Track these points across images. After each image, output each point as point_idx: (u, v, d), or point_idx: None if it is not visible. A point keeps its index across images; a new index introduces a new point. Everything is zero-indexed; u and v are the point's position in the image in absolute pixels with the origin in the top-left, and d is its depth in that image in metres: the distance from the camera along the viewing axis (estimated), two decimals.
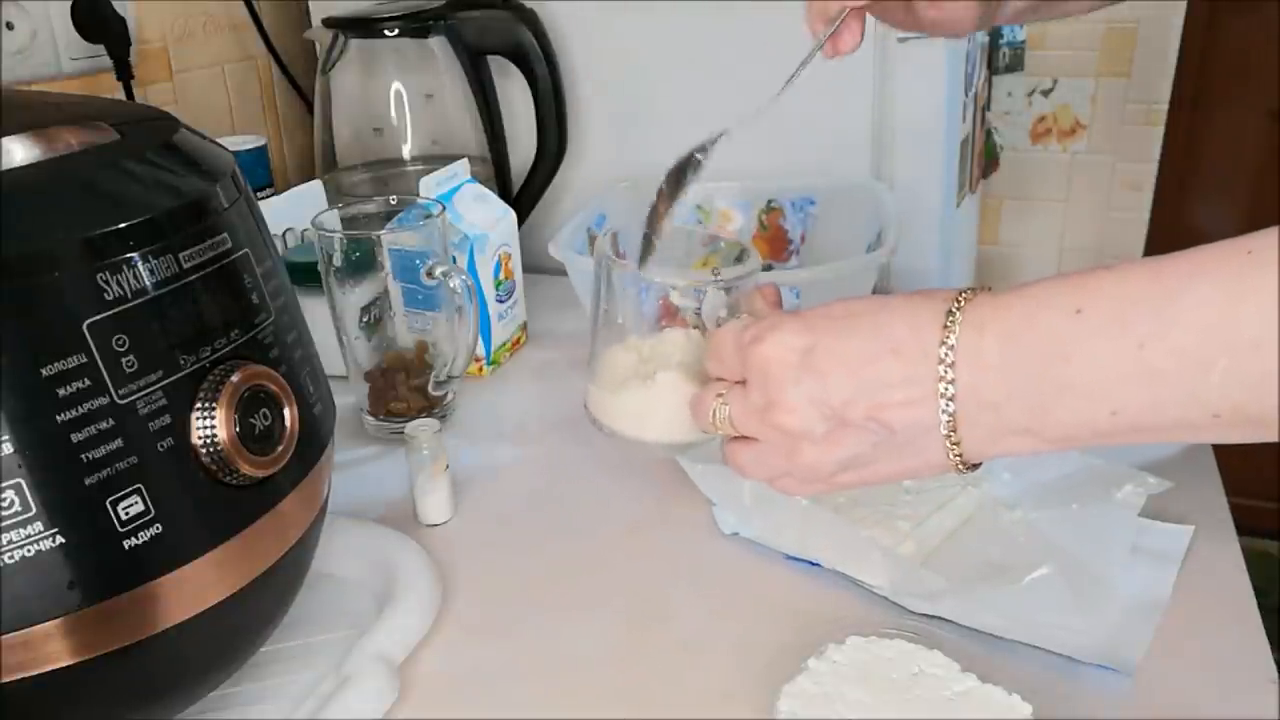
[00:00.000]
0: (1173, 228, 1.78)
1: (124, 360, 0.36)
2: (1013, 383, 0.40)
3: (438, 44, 0.96)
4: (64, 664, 0.36)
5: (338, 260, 0.69)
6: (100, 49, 0.90)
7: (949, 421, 0.41)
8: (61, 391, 0.35)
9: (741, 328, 0.47)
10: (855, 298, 0.45)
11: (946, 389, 0.40)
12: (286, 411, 0.43)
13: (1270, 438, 0.37)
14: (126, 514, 0.36)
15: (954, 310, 0.41)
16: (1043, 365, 0.39)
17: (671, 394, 0.52)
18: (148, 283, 0.37)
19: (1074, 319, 0.38)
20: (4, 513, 0.34)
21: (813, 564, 0.57)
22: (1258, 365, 0.34)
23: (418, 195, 0.74)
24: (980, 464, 0.44)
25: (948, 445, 0.42)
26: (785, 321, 0.45)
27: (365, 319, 0.71)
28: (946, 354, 0.40)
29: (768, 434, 0.46)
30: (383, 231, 0.70)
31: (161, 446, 0.38)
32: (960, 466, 0.43)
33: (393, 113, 0.98)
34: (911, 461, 0.43)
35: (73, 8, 0.88)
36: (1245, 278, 0.35)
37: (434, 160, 0.95)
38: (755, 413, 0.46)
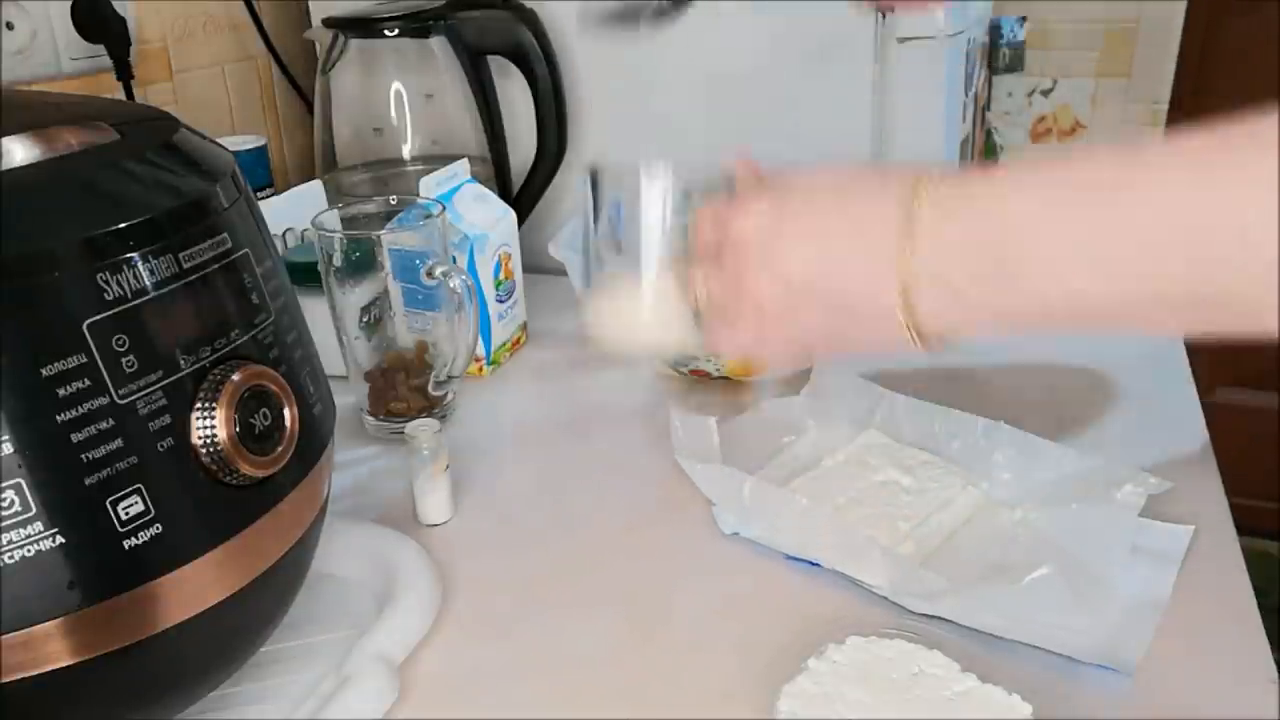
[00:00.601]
0: None
1: (124, 360, 0.36)
2: (970, 263, 0.40)
3: (438, 44, 0.96)
4: (64, 664, 0.36)
5: (338, 260, 0.69)
6: (100, 49, 0.90)
7: (904, 297, 0.41)
8: (61, 391, 0.35)
9: (723, 203, 0.48)
10: (831, 171, 0.45)
11: (904, 266, 0.40)
12: (286, 411, 0.43)
13: (1221, 327, 0.36)
14: (126, 514, 0.36)
15: (919, 189, 0.41)
16: (1001, 246, 0.39)
17: (665, 299, 0.52)
18: (148, 283, 0.37)
19: (1035, 202, 0.39)
20: (4, 513, 0.34)
21: (813, 564, 0.57)
22: (1208, 250, 0.35)
23: (418, 195, 0.74)
24: (940, 346, 0.43)
25: (903, 321, 0.42)
26: (759, 194, 0.46)
27: (365, 319, 0.71)
28: (906, 232, 0.40)
29: (738, 306, 0.47)
30: (383, 231, 0.70)
31: (161, 446, 0.38)
32: (917, 343, 0.42)
33: (393, 113, 0.98)
34: (869, 335, 0.44)
35: (73, 8, 0.88)
36: (1201, 166, 0.35)
37: (434, 160, 0.95)
38: (728, 285, 0.47)
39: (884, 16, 0.56)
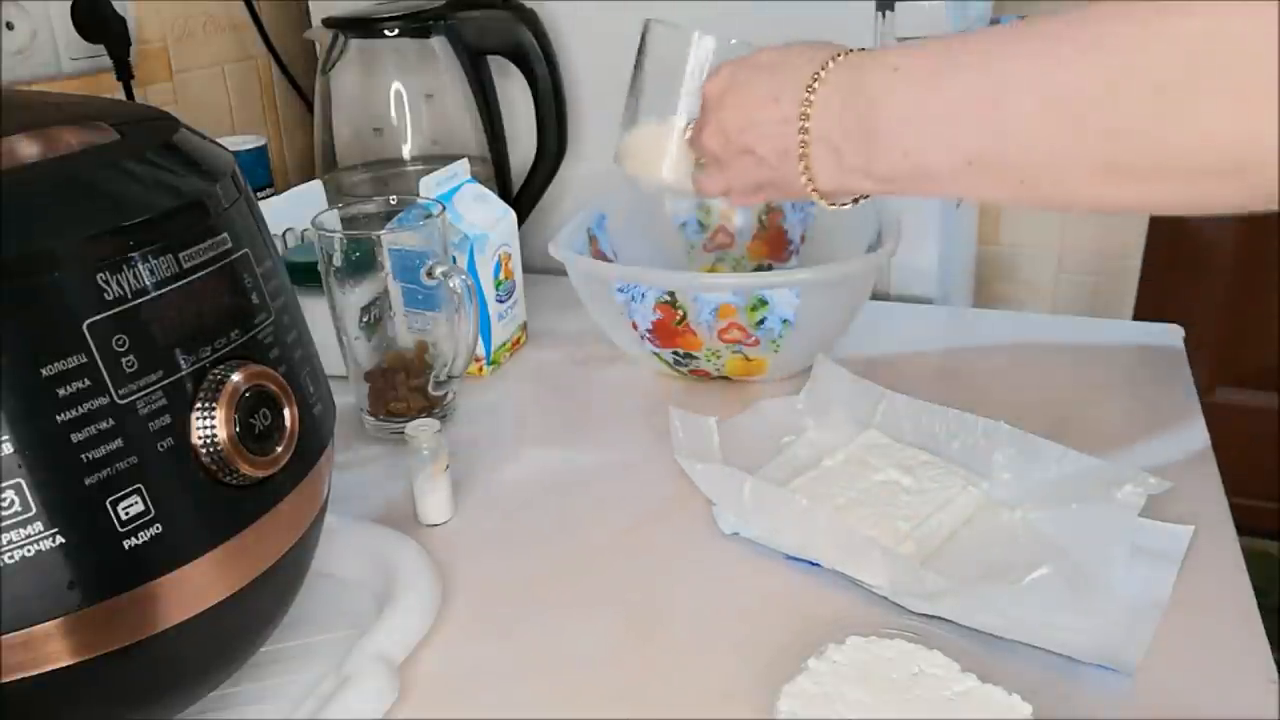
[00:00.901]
0: (1173, 228, 1.78)
1: (124, 360, 0.36)
2: (846, 129, 0.49)
3: (438, 44, 0.96)
4: (64, 664, 0.36)
5: (338, 260, 0.69)
6: (100, 49, 0.90)
7: (803, 156, 0.51)
8: (61, 391, 0.35)
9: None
10: (781, 48, 0.54)
11: (803, 131, 0.50)
12: (286, 411, 0.43)
13: (1013, 193, 0.44)
14: (126, 514, 0.36)
15: (820, 71, 0.50)
16: (864, 115, 0.48)
17: (678, 146, 0.61)
18: (148, 283, 0.37)
19: (891, 75, 0.47)
20: (4, 513, 0.34)
21: (813, 564, 0.57)
22: (995, 118, 0.43)
23: (418, 195, 0.75)
24: (836, 200, 0.54)
25: (804, 176, 0.51)
26: (729, 65, 0.56)
27: (365, 319, 0.71)
28: (806, 105, 0.50)
29: (707, 156, 0.58)
30: (383, 231, 0.70)
31: (161, 446, 0.38)
32: (817, 195, 0.53)
33: (393, 113, 0.98)
34: (787, 185, 0.53)
35: (73, 8, 0.88)
36: (996, 49, 0.43)
37: (434, 160, 0.95)
38: (699, 136, 0.58)
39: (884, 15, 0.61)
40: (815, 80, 0.49)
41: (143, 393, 0.37)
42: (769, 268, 0.91)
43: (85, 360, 0.35)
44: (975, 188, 0.46)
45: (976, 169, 0.44)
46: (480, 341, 0.80)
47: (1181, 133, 0.39)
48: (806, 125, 0.50)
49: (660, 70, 0.63)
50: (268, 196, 0.92)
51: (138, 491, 0.37)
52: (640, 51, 0.64)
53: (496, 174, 1.00)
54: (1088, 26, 0.40)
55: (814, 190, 0.52)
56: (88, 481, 0.35)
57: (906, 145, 0.47)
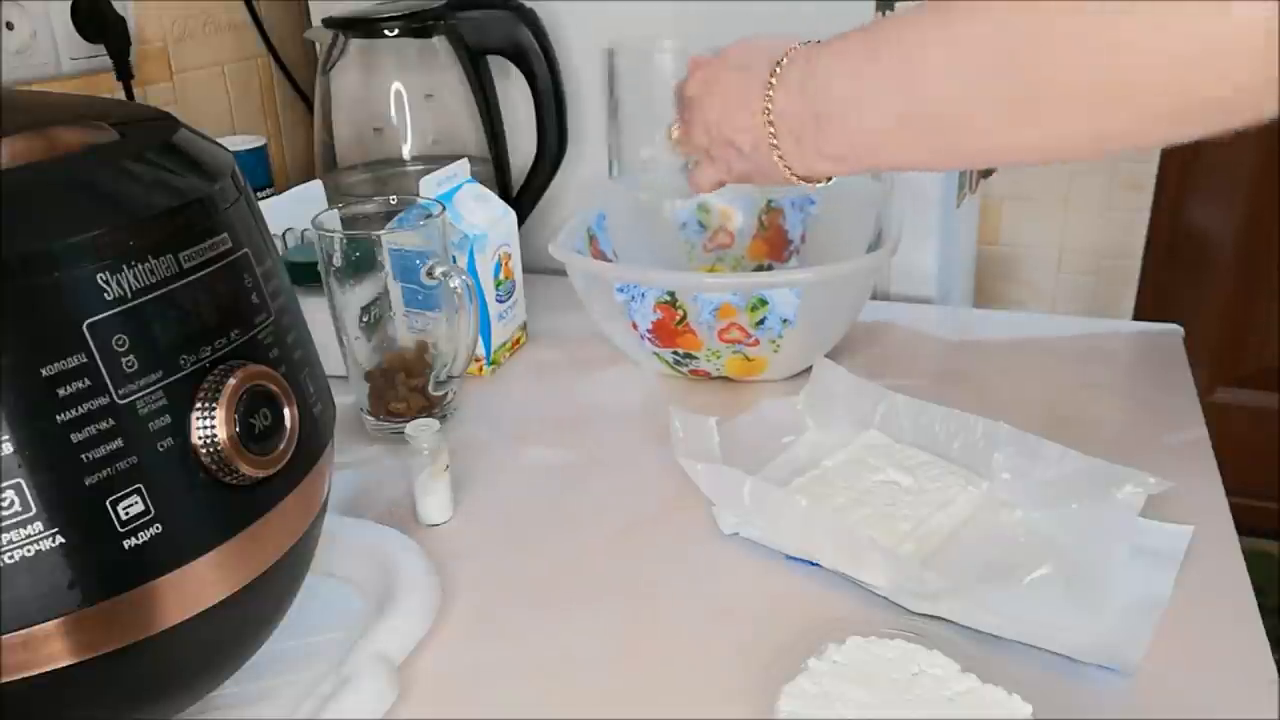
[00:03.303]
0: (1173, 228, 1.78)
1: (124, 360, 0.36)
2: (801, 117, 0.52)
3: (438, 43, 0.96)
4: (64, 664, 0.36)
5: (338, 260, 0.69)
6: (100, 49, 0.90)
7: (775, 146, 0.54)
8: (61, 391, 0.35)
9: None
10: (744, 45, 0.58)
11: (769, 125, 0.54)
12: (286, 411, 0.43)
13: (944, 142, 0.47)
14: (126, 514, 0.36)
15: (776, 67, 0.53)
16: (814, 100, 0.52)
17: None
18: (148, 283, 0.37)
19: (832, 64, 0.51)
20: (4, 513, 0.34)
21: (813, 564, 0.57)
22: (913, 76, 0.47)
23: (418, 195, 0.75)
24: (811, 181, 0.56)
25: (781, 164, 0.55)
26: (701, 67, 0.60)
27: (365, 319, 0.71)
28: (768, 100, 0.54)
29: (698, 151, 0.61)
30: (383, 231, 0.70)
31: (161, 446, 0.37)
32: (793, 178, 0.56)
33: (393, 113, 0.98)
34: (768, 173, 0.57)
35: (73, 8, 0.88)
36: (910, 21, 0.46)
37: (434, 160, 0.95)
38: (685, 134, 0.62)
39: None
40: (773, 76, 0.53)
41: (143, 393, 0.37)
42: (769, 268, 0.91)
43: (85, 360, 0.35)
44: (911, 147, 0.50)
45: (905, 125, 0.48)
46: (480, 341, 0.80)
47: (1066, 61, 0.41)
48: (771, 118, 0.54)
49: (633, 87, 0.70)
50: (268, 196, 0.92)
51: (138, 491, 0.37)
52: (611, 76, 0.71)
53: (496, 174, 1.00)
54: None
55: (792, 175, 0.56)
56: (88, 481, 0.35)
57: (854, 125, 0.51)
